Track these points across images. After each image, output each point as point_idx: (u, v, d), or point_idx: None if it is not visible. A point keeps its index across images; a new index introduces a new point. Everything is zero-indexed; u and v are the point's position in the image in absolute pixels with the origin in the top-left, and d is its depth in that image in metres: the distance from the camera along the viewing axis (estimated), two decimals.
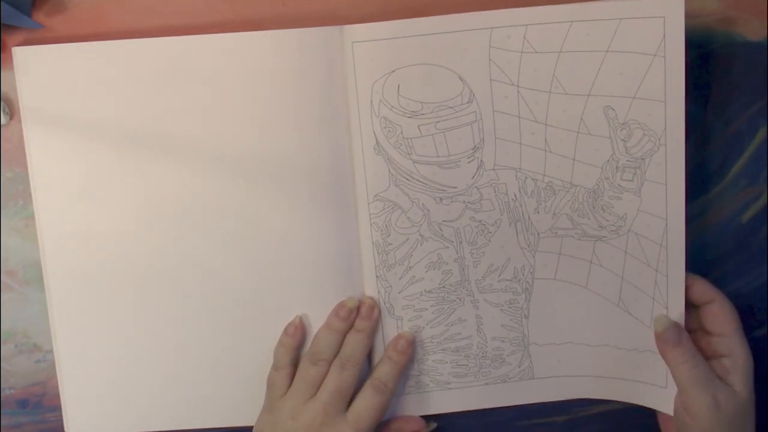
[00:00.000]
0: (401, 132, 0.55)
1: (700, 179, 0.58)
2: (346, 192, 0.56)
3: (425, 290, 0.58)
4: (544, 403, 0.59)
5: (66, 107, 0.55)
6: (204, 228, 0.56)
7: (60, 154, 0.55)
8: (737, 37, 0.56)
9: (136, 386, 0.58)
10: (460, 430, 0.60)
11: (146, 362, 0.58)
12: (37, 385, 0.59)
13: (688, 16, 0.55)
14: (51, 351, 0.58)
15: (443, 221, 0.57)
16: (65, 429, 0.59)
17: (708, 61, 0.56)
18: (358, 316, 0.56)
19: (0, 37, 0.54)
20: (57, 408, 0.58)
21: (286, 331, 0.57)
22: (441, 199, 0.56)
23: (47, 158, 0.55)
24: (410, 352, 0.57)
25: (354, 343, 0.56)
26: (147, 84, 0.55)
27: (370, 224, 0.57)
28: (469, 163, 0.56)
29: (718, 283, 0.59)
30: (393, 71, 0.54)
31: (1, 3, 0.52)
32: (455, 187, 0.56)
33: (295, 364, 0.57)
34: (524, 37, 0.53)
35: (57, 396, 0.58)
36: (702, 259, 0.59)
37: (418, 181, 0.56)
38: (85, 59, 0.54)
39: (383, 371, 0.56)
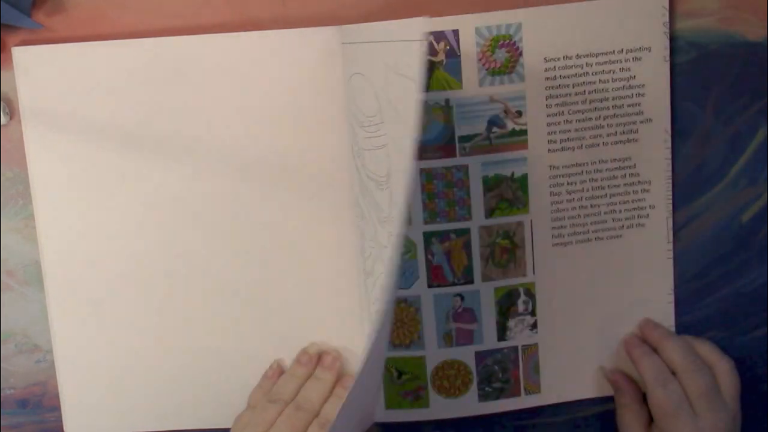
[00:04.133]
0: (358, 141, 0.54)
1: (700, 179, 0.58)
2: (344, 192, 0.56)
3: None
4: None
5: (66, 107, 0.55)
6: (203, 227, 0.56)
7: (60, 154, 0.55)
8: (737, 37, 0.56)
9: (136, 387, 0.58)
10: (459, 428, 0.60)
11: (146, 362, 0.58)
12: (37, 385, 0.59)
13: (688, 15, 0.55)
14: (51, 351, 0.58)
15: None
16: (64, 429, 0.59)
17: (708, 61, 0.56)
18: (321, 366, 0.57)
19: (0, 37, 0.54)
20: (57, 408, 0.58)
21: (265, 375, 0.58)
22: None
23: (47, 158, 0.55)
24: (337, 367, 0.57)
25: (311, 390, 0.56)
26: (147, 84, 0.55)
27: None
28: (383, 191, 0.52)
29: (718, 283, 0.59)
30: (352, 75, 0.53)
31: (1, 3, 0.52)
32: (383, 212, 0.52)
33: None
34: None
35: (57, 396, 0.58)
36: (702, 259, 0.59)
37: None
38: (85, 59, 0.54)
39: (329, 410, 0.56)
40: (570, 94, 0.55)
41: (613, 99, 0.55)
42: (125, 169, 0.56)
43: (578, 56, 0.54)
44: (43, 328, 0.58)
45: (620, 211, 0.57)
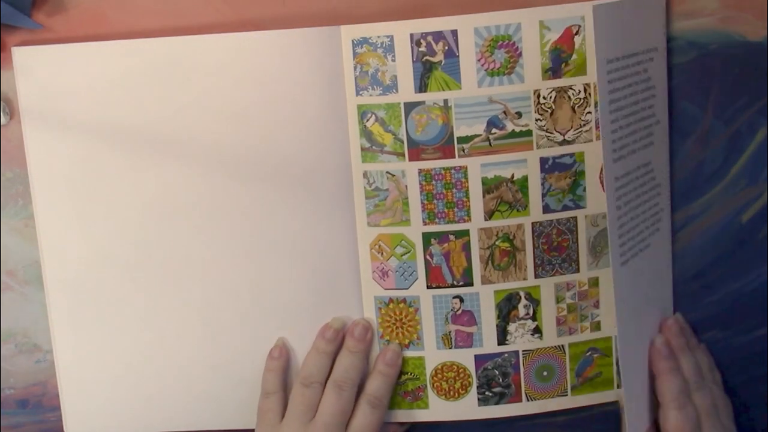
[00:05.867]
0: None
1: (700, 179, 0.58)
2: (345, 192, 0.56)
3: None
4: None
5: (66, 107, 0.55)
6: (204, 228, 0.56)
7: (60, 154, 0.55)
8: (737, 37, 0.56)
9: (136, 387, 0.58)
10: (458, 428, 0.60)
11: (146, 363, 0.58)
12: (37, 385, 0.59)
13: (688, 16, 0.55)
14: (51, 351, 0.58)
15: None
16: (64, 429, 0.59)
17: (708, 61, 0.56)
18: (352, 338, 0.56)
19: (0, 37, 0.54)
20: (57, 408, 0.59)
21: (271, 355, 0.57)
22: None
23: (47, 158, 0.56)
24: (399, 363, 0.57)
25: (348, 365, 0.55)
26: (147, 84, 0.55)
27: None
28: None
29: (718, 283, 0.59)
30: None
31: (1, 3, 0.52)
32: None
33: (285, 388, 0.56)
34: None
35: (57, 396, 0.58)
36: (702, 259, 0.59)
37: None
38: (85, 59, 0.54)
39: (375, 386, 0.56)
40: None
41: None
42: (125, 169, 0.56)
43: None
44: (43, 328, 0.58)
45: None
